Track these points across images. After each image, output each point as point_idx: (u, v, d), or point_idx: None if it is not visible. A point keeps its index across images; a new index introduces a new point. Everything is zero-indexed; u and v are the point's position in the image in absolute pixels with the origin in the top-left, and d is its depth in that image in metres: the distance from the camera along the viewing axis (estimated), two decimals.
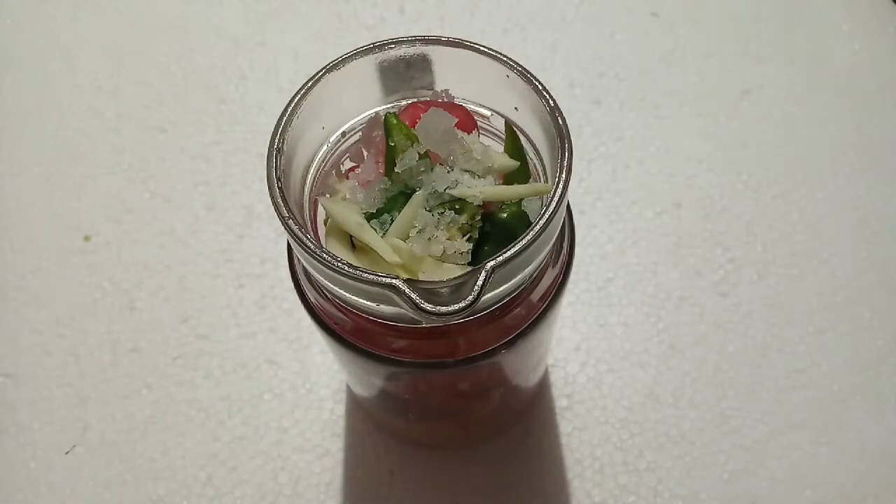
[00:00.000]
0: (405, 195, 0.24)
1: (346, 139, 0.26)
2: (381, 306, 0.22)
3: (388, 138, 0.25)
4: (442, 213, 0.23)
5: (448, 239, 0.24)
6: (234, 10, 0.50)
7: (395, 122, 0.24)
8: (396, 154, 0.24)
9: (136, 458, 0.38)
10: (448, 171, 0.25)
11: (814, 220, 0.43)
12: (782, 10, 0.49)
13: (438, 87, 0.26)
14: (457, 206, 0.24)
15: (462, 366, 0.25)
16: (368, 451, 0.38)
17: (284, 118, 0.23)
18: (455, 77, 0.25)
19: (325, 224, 0.25)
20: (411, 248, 0.23)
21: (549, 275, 0.25)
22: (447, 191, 0.24)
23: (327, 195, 0.26)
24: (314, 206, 0.25)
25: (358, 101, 0.26)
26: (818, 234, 0.42)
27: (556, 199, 0.22)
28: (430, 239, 0.23)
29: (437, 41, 0.24)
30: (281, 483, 0.37)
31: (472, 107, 0.26)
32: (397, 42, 0.24)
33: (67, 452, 0.38)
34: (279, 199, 0.22)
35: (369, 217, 0.24)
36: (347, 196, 0.26)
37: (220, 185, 0.44)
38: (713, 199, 0.43)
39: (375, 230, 0.24)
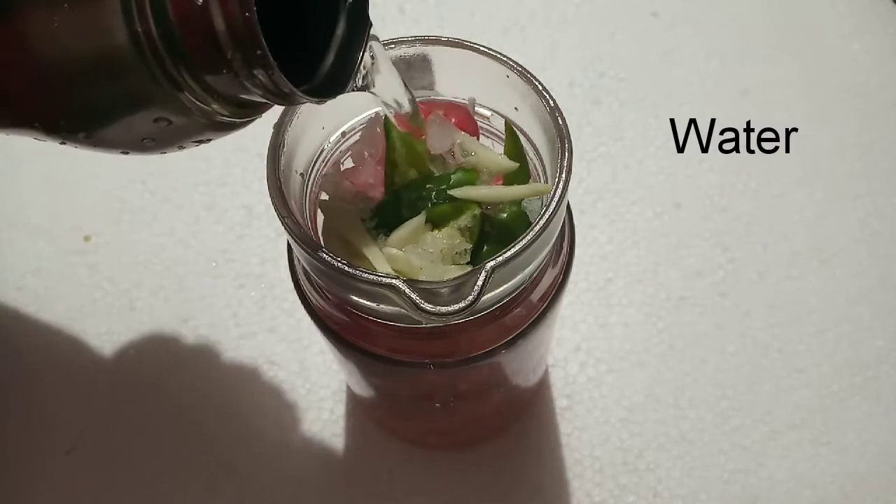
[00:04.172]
0: (405, 201, 0.24)
1: (346, 139, 0.26)
2: (381, 306, 0.22)
3: (388, 152, 0.25)
4: (442, 229, 0.24)
5: (448, 241, 0.24)
6: None
7: (396, 134, 0.24)
8: (396, 169, 0.25)
9: (135, 459, 0.38)
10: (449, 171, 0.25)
11: (814, 220, 0.43)
12: (782, 10, 0.49)
13: (438, 87, 0.26)
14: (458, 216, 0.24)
15: (462, 366, 0.25)
16: (368, 451, 0.38)
17: (284, 118, 0.23)
18: (455, 77, 0.25)
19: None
20: (407, 258, 0.23)
21: (549, 275, 0.25)
22: (448, 191, 0.24)
23: (327, 195, 0.26)
24: (314, 206, 0.25)
25: (358, 101, 0.26)
26: (818, 234, 0.42)
27: (556, 199, 0.22)
28: (425, 250, 0.23)
29: (437, 41, 0.24)
30: (281, 483, 0.37)
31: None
32: (397, 42, 0.24)
33: (67, 453, 0.38)
34: (279, 199, 0.22)
35: (366, 221, 0.24)
36: (346, 198, 0.26)
37: (220, 185, 0.44)
38: (713, 199, 0.43)
39: (373, 236, 0.24)
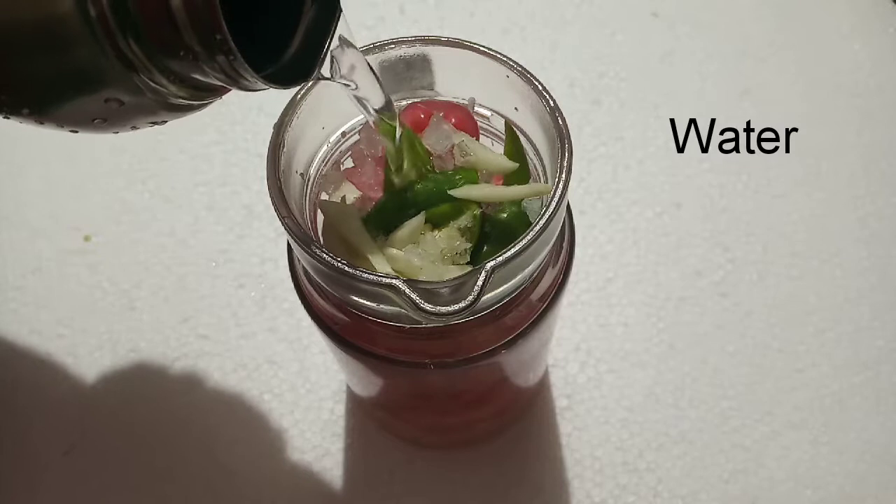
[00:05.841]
0: (405, 201, 0.24)
1: (346, 139, 0.26)
2: (381, 306, 0.22)
3: (388, 152, 0.25)
4: (442, 229, 0.24)
5: (448, 241, 0.24)
6: None
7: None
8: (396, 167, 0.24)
9: (135, 459, 0.38)
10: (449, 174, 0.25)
11: (814, 220, 0.43)
12: (782, 10, 0.49)
13: (438, 87, 0.26)
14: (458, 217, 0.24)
15: (462, 366, 0.25)
16: (368, 451, 0.38)
17: (284, 118, 0.23)
18: (455, 77, 0.25)
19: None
20: (407, 258, 0.23)
21: (549, 275, 0.25)
22: (448, 191, 0.24)
23: (327, 195, 0.26)
24: (314, 206, 0.25)
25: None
26: (818, 234, 0.42)
27: (556, 199, 0.22)
28: (426, 250, 0.23)
29: (437, 41, 0.24)
30: (281, 484, 0.37)
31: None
32: (397, 42, 0.24)
33: (66, 453, 0.38)
34: (279, 199, 0.22)
35: (366, 221, 0.24)
36: (346, 198, 0.26)
37: (220, 185, 0.44)
38: (713, 199, 0.43)
39: (373, 236, 0.24)
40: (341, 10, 0.20)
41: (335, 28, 0.20)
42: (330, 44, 0.20)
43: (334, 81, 0.21)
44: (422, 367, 0.25)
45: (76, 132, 0.19)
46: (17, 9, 0.16)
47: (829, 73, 0.47)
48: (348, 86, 0.22)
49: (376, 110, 0.23)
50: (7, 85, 0.18)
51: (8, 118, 0.19)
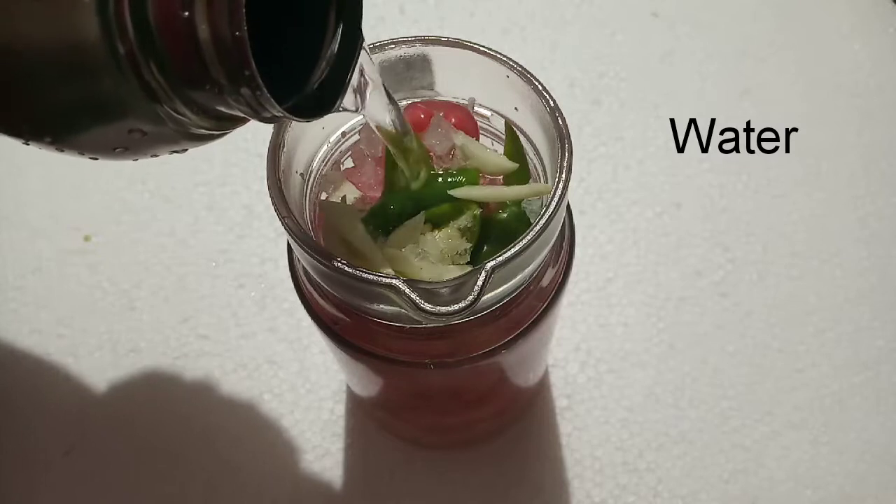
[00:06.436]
0: (405, 201, 0.24)
1: (346, 139, 0.26)
2: (381, 306, 0.22)
3: (388, 153, 0.25)
4: (442, 229, 0.24)
5: (448, 241, 0.24)
6: None
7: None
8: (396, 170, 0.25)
9: (135, 459, 0.38)
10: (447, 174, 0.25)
11: (814, 220, 0.43)
12: (782, 10, 0.49)
13: (438, 87, 0.26)
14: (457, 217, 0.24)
15: (462, 366, 0.25)
16: (368, 451, 0.38)
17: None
18: (455, 77, 0.25)
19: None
20: (407, 258, 0.23)
21: (549, 275, 0.25)
22: (448, 191, 0.24)
23: (327, 195, 0.26)
24: (314, 206, 0.25)
25: None
26: (818, 234, 0.42)
27: (556, 199, 0.22)
28: (425, 250, 0.23)
29: (437, 41, 0.24)
30: (281, 483, 0.37)
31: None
32: (397, 42, 0.24)
33: (66, 453, 0.38)
34: (279, 199, 0.22)
35: (366, 221, 0.24)
36: (346, 198, 0.26)
37: (220, 185, 0.44)
38: (713, 199, 0.43)
39: (373, 236, 0.24)
40: (363, 39, 0.20)
41: (357, 59, 0.20)
42: (351, 75, 0.20)
43: (357, 113, 0.21)
44: (422, 367, 0.25)
45: (96, 159, 0.20)
46: (43, 39, 0.16)
47: (829, 73, 0.47)
48: (367, 117, 0.22)
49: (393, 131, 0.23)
50: (31, 113, 0.18)
51: (28, 144, 0.19)
